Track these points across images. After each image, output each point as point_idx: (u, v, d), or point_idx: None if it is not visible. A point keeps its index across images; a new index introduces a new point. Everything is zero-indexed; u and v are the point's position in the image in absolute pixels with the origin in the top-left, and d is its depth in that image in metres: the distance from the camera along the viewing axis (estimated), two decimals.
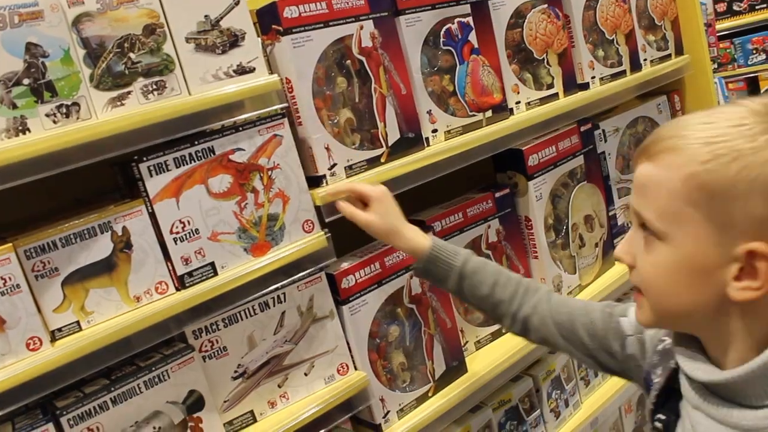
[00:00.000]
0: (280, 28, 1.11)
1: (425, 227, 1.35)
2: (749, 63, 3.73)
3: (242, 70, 1.08)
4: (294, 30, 1.11)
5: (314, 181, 1.16)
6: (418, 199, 1.39)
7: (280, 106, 1.11)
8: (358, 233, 1.28)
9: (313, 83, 1.14)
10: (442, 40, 1.34)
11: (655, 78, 1.87)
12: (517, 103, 1.52)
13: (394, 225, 1.14)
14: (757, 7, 3.83)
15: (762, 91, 3.77)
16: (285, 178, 1.12)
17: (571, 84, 1.65)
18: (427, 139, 1.32)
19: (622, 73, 1.79)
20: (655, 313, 0.77)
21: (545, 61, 1.58)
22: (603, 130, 1.77)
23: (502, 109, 1.46)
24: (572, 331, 1.04)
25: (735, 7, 3.84)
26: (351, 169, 1.19)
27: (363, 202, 1.15)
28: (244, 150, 1.08)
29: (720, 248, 0.69)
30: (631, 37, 1.81)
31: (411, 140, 1.27)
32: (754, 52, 3.69)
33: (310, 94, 1.13)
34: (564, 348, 1.06)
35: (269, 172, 1.10)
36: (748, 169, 0.66)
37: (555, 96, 1.61)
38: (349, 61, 1.18)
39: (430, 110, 1.33)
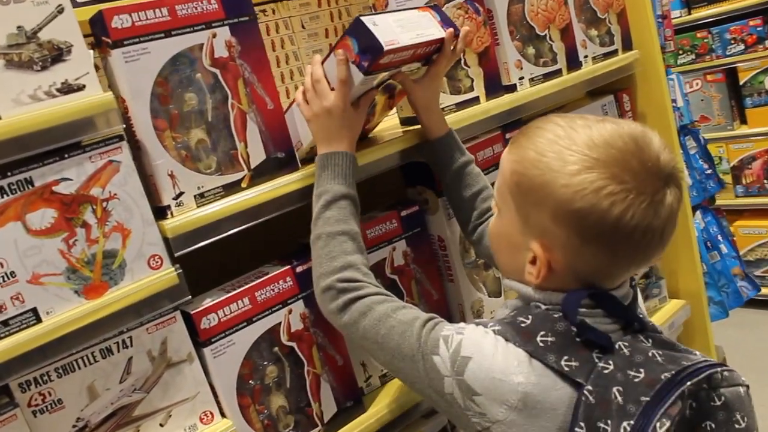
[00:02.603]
0: (109, 41, 0.97)
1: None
2: (727, 54, 3.53)
3: (68, 89, 0.95)
4: (126, 42, 0.98)
5: (161, 212, 1.03)
6: (306, 221, 1.25)
7: (115, 128, 0.97)
8: (224, 265, 1.15)
9: (152, 102, 1.00)
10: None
11: (598, 77, 1.72)
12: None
13: (430, 100, 1.23)
14: None
15: (741, 83, 3.58)
16: (125, 209, 0.98)
17: (495, 86, 1.50)
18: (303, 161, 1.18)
19: (557, 73, 1.63)
20: (495, 257, 0.99)
21: (461, 61, 1.43)
22: None
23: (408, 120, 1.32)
24: None
25: None
26: (203, 198, 1.05)
27: None
28: (71, 180, 0.95)
29: (522, 236, 0.86)
30: (568, 33, 1.66)
31: (280, 161, 1.14)
32: (733, 42, 3.50)
33: (147, 114, 1.00)
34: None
35: (104, 204, 0.97)
36: (547, 187, 0.81)
37: (475, 100, 1.46)
38: (199, 74, 1.05)
39: None
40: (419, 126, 1.34)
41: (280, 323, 1.15)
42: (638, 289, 0.93)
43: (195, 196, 1.05)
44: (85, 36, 0.96)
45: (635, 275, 0.92)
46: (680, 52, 3.53)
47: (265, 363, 1.14)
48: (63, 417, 1.00)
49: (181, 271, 1.01)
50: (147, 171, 1.02)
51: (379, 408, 1.27)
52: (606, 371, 0.79)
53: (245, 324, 1.11)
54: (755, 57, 3.57)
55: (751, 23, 3.56)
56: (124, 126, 0.97)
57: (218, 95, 1.07)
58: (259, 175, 1.12)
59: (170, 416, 1.08)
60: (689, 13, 3.60)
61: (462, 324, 0.91)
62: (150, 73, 1.00)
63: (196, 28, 1.04)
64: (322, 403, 1.21)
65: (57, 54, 0.95)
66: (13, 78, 0.92)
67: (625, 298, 0.89)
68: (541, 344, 0.82)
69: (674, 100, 2.16)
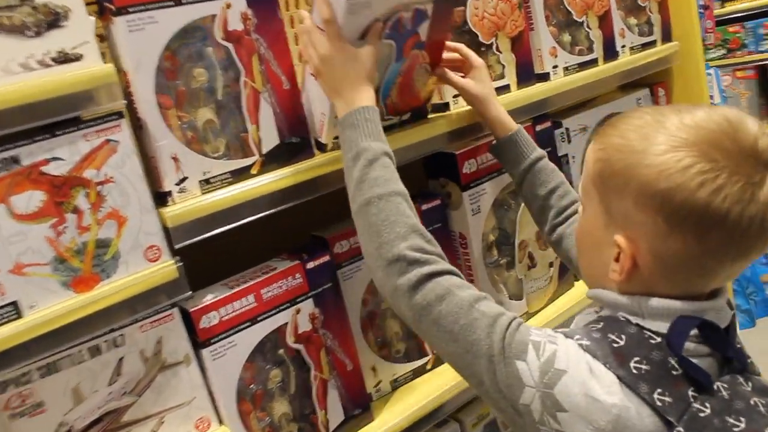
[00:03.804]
0: (112, 7, 0.87)
1: (325, 247, 1.12)
2: (760, 49, 3.39)
3: (65, 58, 0.84)
4: (130, 9, 0.87)
5: (161, 198, 0.93)
6: (318, 213, 1.16)
7: (115, 104, 0.87)
8: (228, 259, 1.05)
9: (157, 76, 0.90)
10: (385, 32, 1.02)
11: (635, 68, 1.61)
12: (455, 96, 1.27)
13: (488, 94, 1.19)
14: None
15: None
16: (121, 194, 0.88)
17: (527, 74, 1.39)
18: (324, 145, 1.07)
19: (593, 62, 1.52)
20: (579, 266, 0.93)
21: (494, 46, 1.32)
22: (566, 129, 1.51)
23: (422, 110, 1.20)
24: None
25: None
26: (209, 184, 0.95)
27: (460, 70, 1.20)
28: (62, 160, 0.85)
29: (606, 230, 0.80)
30: (606, 20, 1.54)
31: (295, 146, 1.03)
32: (766, 37, 3.36)
33: (152, 90, 0.90)
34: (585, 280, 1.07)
35: (98, 188, 0.87)
36: (630, 169, 0.75)
37: (506, 88, 1.36)
38: (210, 48, 0.94)
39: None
40: (448, 113, 1.24)
41: (286, 324, 1.05)
42: (736, 316, 0.85)
43: (200, 182, 0.95)
44: (87, 4, 0.85)
45: (731, 277, 0.82)
46: (710, 46, 3.40)
47: (269, 366, 1.05)
48: (43, 422, 0.91)
49: (181, 264, 0.91)
50: (148, 152, 0.92)
51: (389, 417, 1.18)
52: (702, 414, 0.71)
53: (249, 324, 1.01)
54: None
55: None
56: (125, 102, 0.86)
57: (230, 72, 0.96)
58: (272, 161, 1.01)
59: (162, 422, 0.98)
60: (722, 6, 3.46)
61: (549, 331, 0.81)
62: (156, 44, 0.89)
63: None
64: (328, 411, 1.12)
65: (53, 19, 0.84)
66: (2, 44, 0.81)
67: (721, 316, 0.79)
68: (634, 371, 0.74)
69: (711, 96, 2.04)
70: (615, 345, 0.76)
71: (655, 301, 0.77)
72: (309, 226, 1.19)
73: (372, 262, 0.89)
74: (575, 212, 1.12)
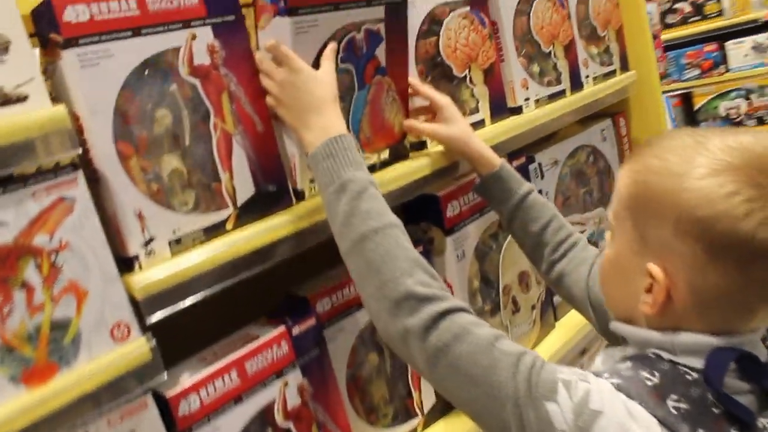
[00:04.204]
0: (59, 39, 0.73)
1: (307, 307, 0.99)
2: (683, 78, 3.52)
3: (5, 99, 0.69)
4: (81, 41, 0.73)
5: (125, 265, 0.78)
6: (294, 269, 1.03)
7: (69, 153, 0.72)
8: (194, 324, 0.91)
9: (115, 120, 0.76)
10: (340, 55, 0.97)
11: (599, 99, 1.57)
12: None
13: (463, 132, 1.10)
14: (690, 20, 3.65)
15: (696, 108, 3.57)
16: (80, 263, 0.72)
17: (500, 108, 1.32)
18: (301, 192, 0.96)
19: (561, 93, 1.47)
20: (604, 297, 0.87)
21: (467, 79, 1.25)
22: (539, 164, 1.45)
23: (402, 148, 1.11)
24: (604, 310, 0.96)
25: (668, 20, 3.64)
26: (179, 244, 0.81)
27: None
28: (5, 224, 0.69)
29: (638, 258, 0.74)
30: (571, 50, 1.50)
31: (271, 196, 0.91)
32: (688, 66, 3.49)
33: (110, 136, 0.76)
34: (590, 318, 1.04)
35: (52, 257, 0.71)
36: (669, 194, 0.70)
37: (480, 123, 1.28)
38: (174, 86, 0.81)
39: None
40: (425, 151, 1.14)
41: (274, 400, 0.91)
42: None
43: (170, 243, 0.81)
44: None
45: None
46: (661, 75, 3.52)
47: None
48: None
49: (154, 342, 0.76)
50: (107, 211, 0.77)
51: None
52: None
53: (233, 404, 0.87)
54: (710, 82, 3.58)
55: (707, 49, 3.58)
56: (80, 152, 0.72)
57: (198, 112, 0.84)
58: (247, 213, 0.88)
59: None
60: None
61: (576, 369, 0.73)
62: (113, 82, 0.76)
63: (171, 26, 0.81)
64: None
65: None
66: None
67: (759, 348, 0.73)
68: (673, 411, 0.67)
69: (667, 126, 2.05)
70: (649, 383, 0.70)
71: (688, 337, 0.72)
72: (282, 282, 1.06)
73: (374, 304, 0.79)
74: (572, 246, 1.08)
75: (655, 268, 0.71)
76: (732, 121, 3.62)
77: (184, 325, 0.91)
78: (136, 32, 0.78)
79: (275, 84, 0.88)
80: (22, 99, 0.68)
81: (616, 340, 1.01)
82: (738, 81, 3.59)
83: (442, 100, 1.11)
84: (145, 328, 0.76)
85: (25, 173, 0.68)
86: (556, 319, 1.48)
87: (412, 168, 1.08)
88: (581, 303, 1.06)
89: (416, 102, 1.13)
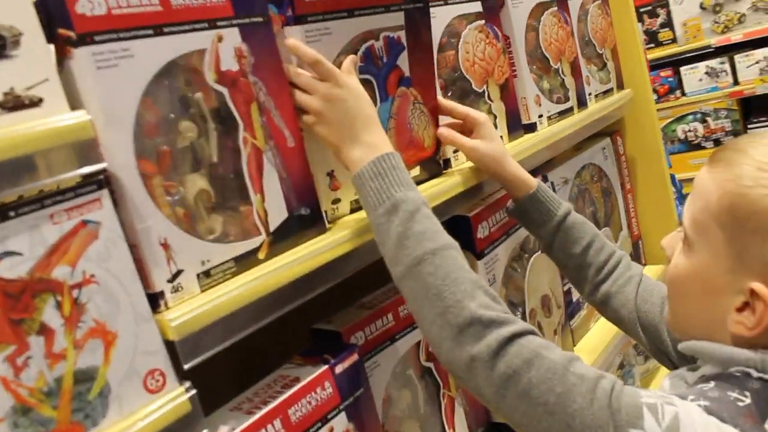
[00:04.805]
0: (71, 35, 0.61)
1: (343, 344, 0.88)
2: None
3: (15, 103, 0.56)
4: (97, 38, 0.62)
5: (152, 301, 0.66)
6: (328, 299, 0.92)
7: (93, 168, 0.60)
8: (236, 372, 0.79)
9: (136, 132, 0.64)
10: (358, 65, 0.89)
11: (604, 116, 1.52)
12: (456, 152, 1.09)
13: (500, 151, 1.03)
14: (646, 47, 3.71)
15: None
16: (107, 300, 0.60)
17: (516, 124, 1.25)
18: (325, 212, 0.85)
19: (570, 111, 1.41)
20: (670, 313, 0.81)
21: (486, 94, 1.17)
22: (551, 183, 1.38)
23: (434, 164, 1.03)
24: (657, 329, 0.95)
25: None
26: (209, 277, 0.70)
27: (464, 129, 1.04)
28: (19, 255, 0.55)
29: (731, 275, 0.69)
30: (576, 67, 1.45)
31: (305, 220, 0.80)
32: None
33: (131, 150, 0.64)
34: (639, 339, 0.99)
35: (74, 293, 0.58)
36: None
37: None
38: (199, 95, 0.70)
39: (332, 171, 0.88)
40: (450, 170, 1.06)
41: None
42: None
43: (198, 275, 0.69)
44: None
45: None
46: None
47: None
48: None
49: (195, 392, 0.64)
50: (128, 239, 0.65)
51: None
52: None
53: None
54: (667, 107, 3.64)
55: (663, 74, 3.63)
56: (105, 167, 0.60)
57: (226, 126, 0.73)
58: (280, 239, 0.77)
59: None
60: None
61: (659, 392, 0.68)
62: (134, 86, 0.64)
63: (196, 26, 0.70)
64: None
65: None
66: None
67: None
68: None
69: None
70: (741, 404, 0.65)
71: None
72: (299, 315, 0.95)
73: (435, 331, 0.71)
74: (616, 266, 1.03)
75: (763, 289, 0.66)
76: (691, 144, 3.68)
77: (202, 367, 0.79)
78: (158, 30, 0.66)
79: (318, 99, 0.80)
80: (35, 103, 0.56)
81: (668, 360, 0.94)
82: (694, 105, 3.65)
83: (480, 116, 1.03)
84: (183, 375, 0.63)
85: (42, 192, 0.55)
86: (574, 343, 1.41)
87: (444, 187, 0.99)
88: (630, 324, 1.00)
89: (448, 118, 1.04)
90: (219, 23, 0.72)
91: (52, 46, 0.59)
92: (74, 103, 0.61)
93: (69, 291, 0.56)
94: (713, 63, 3.58)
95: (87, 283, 0.58)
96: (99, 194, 0.59)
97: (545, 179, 1.35)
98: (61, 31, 0.61)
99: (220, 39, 0.72)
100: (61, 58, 0.62)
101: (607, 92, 1.60)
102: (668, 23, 3.63)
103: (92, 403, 0.58)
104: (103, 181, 0.59)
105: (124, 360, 0.59)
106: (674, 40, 3.66)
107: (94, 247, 0.58)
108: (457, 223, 1.07)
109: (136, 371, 0.60)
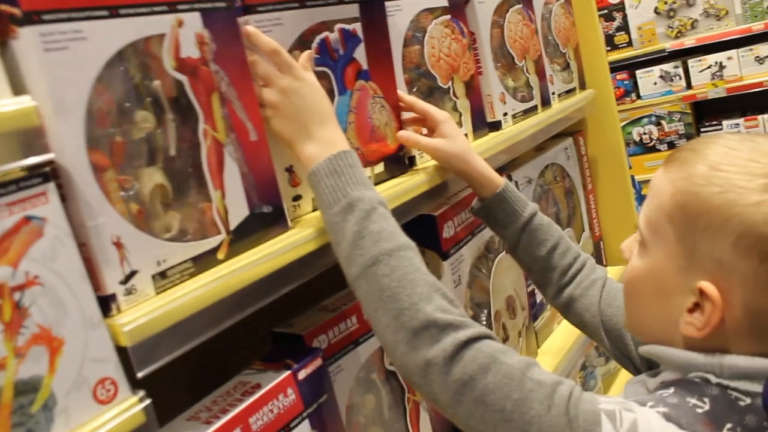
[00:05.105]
0: (17, 12, 0.56)
1: (304, 348, 0.84)
2: None
3: None
4: (45, 17, 0.57)
5: (103, 304, 0.61)
6: (288, 301, 0.88)
7: (38, 159, 0.55)
8: (192, 378, 0.75)
9: (88, 122, 0.60)
10: (314, 56, 0.86)
11: (567, 116, 1.52)
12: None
13: (465, 148, 1.00)
14: None
15: None
16: (53, 303, 0.55)
17: (481, 122, 1.23)
18: (286, 210, 0.81)
19: (533, 109, 1.40)
20: (626, 315, 0.80)
21: (451, 91, 1.15)
22: (515, 182, 1.37)
23: (399, 162, 1.00)
24: (620, 333, 0.94)
25: None
26: (165, 278, 0.65)
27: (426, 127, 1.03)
28: None
29: (683, 274, 0.68)
30: (540, 65, 1.44)
31: (266, 218, 0.76)
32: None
33: (81, 142, 0.59)
34: (602, 343, 0.97)
35: (15, 295, 0.53)
36: (731, 207, 0.64)
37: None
38: (157, 83, 0.66)
39: (291, 167, 0.84)
40: (415, 168, 1.03)
41: None
42: None
43: (153, 277, 0.64)
44: None
45: None
46: None
47: None
48: None
49: (149, 402, 0.59)
50: (77, 237, 0.60)
51: None
52: None
53: None
54: (623, 109, 3.69)
55: (619, 77, 3.69)
56: (51, 158, 0.55)
57: (185, 116, 0.68)
58: (241, 238, 0.73)
59: None
60: None
61: (617, 398, 0.67)
62: (86, 72, 0.60)
63: (155, 8, 0.65)
64: None
65: None
66: None
67: None
68: None
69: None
70: (699, 410, 0.64)
71: (741, 360, 0.66)
72: (258, 318, 0.91)
73: (390, 335, 0.70)
74: (580, 269, 1.01)
75: (710, 287, 0.65)
76: (646, 146, 3.75)
77: (157, 375, 0.74)
78: (114, 12, 0.62)
79: (275, 91, 0.77)
80: None
81: (631, 365, 0.94)
82: (649, 108, 3.72)
83: (441, 114, 1.00)
84: (136, 384, 0.59)
85: None
86: (538, 345, 1.40)
87: (409, 185, 0.96)
88: (593, 328, 0.99)
89: (409, 113, 1.02)
90: (179, 7, 0.68)
91: None
92: (18, 88, 0.56)
93: (10, 294, 0.51)
94: (667, 67, 3.65)
95: (30, 284, 0.53)
96: (45, 188, 0.54)
97: (509, 178, 1.33)
98: (4, 7, 0.56)
99: (180, 24, 0.68)
100: (4, 38, 0.57)
101: (569, 92, 1.60)
102: (624, 27, 3.69)
103: (35, 417, 0.53)
104: (49, 173, 0.54)
105: (71, 369, 0.55)
106: (630, 44, 3.72)
107: (39, 245, 0.53)
108: (423, 222, 1.05)
109: (85, 381, 0.55)
